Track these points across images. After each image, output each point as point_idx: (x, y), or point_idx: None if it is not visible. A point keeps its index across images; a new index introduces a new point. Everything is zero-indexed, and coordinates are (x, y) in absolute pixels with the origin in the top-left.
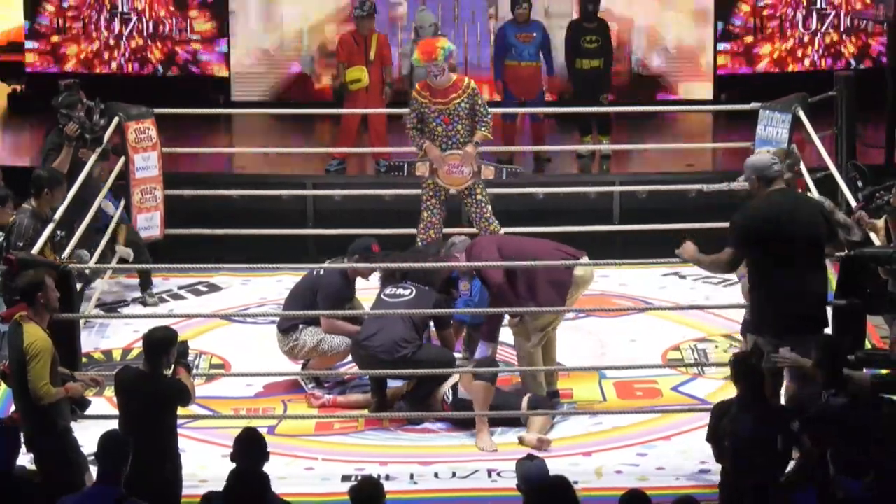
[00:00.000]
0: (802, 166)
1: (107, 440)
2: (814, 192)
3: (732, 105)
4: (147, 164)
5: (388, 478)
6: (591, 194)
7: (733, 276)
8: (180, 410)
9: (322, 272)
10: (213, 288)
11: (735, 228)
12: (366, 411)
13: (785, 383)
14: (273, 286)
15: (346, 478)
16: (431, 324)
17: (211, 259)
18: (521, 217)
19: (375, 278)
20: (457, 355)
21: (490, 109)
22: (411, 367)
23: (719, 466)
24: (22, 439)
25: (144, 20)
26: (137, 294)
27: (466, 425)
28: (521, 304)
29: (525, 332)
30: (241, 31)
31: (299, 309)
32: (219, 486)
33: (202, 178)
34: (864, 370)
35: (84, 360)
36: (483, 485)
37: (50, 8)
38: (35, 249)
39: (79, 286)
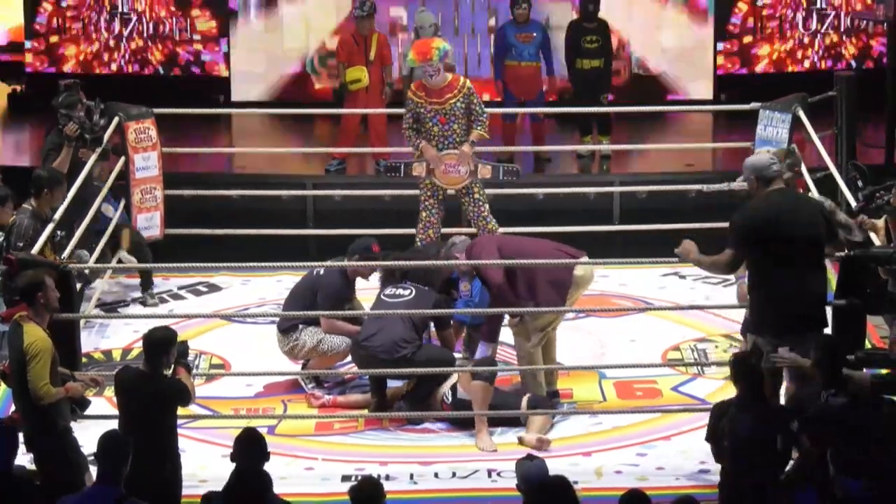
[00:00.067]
0: (803, 167)
1: (107, 440)
2: (814, 193)
3: (732, 105)
4: (147, 164)
5: (388, 478)
6: (590, 194)
7: (732, 277)
8: (180, 410)
9: (322, 272)
10: (213, 288)
11: (734, 229)
12: (366, 411)
13: (784, 383)
14: (273, 286)
15: (346, 478)
16: (431, 324)
17: (211, 259)
18: (521, 217)
19: (375, 278)
20: (457, 355)
21: (490, 109)
22: (411, 367)
23: (719, 466)
24: (21, 439)
25: (144, 20)
26: (138, 294)
27: (466, 425)
28: (521, 305)
29: (525, 332)
30: (241, 31)
31: (299, 309)
32: (219, 486)
33: (202, 178)
34: (864, 370)
35: (84, 360)
36: (483, 485)
37: (50, 8)
38: (35, 249)
39: (78, 286)
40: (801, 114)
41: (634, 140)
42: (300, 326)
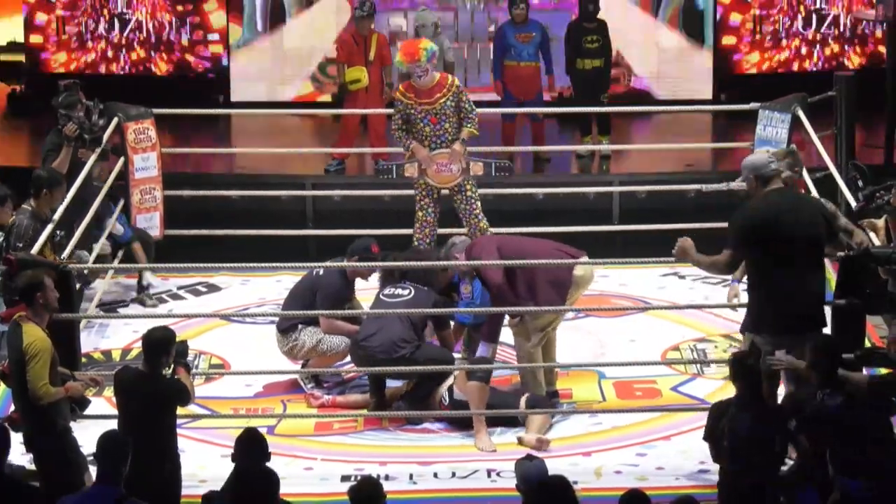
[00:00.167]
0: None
1: (106, 440)
2: (814, 194)
3: (732, 105)
4: (146, 164)
5: (387, 478)
6: (590, 194)
7: (730, 277)
8: (180, 410)
9: (321, 272)
10: (213, 288)
11: (734, 230)
12: (365, 411)
13: (782, 385)
14: (272, 286)
15: (345, 478)
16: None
17: (210, 259)
18: (520, 217)
19: (375, 278)
20: (456, 355)
21: (490, 110)
22: (410, 367)
23: (718, 466)
24: (12, 439)
25: (144, 20)
26: (137, 293)
27: (464, 426)
28: (520, 305)
29: (525, 333)
30: (241, 31)
31: (298, 309)
32: (218, 485)
33: (202, 178)
34: (864, 370)
35: (83, 360)
36: (482, 485)
37: (50, 8)
38: (34, 250)
39: (78, 286)
40: (801, 114)
41: (634, 140)
42: (299, 326)
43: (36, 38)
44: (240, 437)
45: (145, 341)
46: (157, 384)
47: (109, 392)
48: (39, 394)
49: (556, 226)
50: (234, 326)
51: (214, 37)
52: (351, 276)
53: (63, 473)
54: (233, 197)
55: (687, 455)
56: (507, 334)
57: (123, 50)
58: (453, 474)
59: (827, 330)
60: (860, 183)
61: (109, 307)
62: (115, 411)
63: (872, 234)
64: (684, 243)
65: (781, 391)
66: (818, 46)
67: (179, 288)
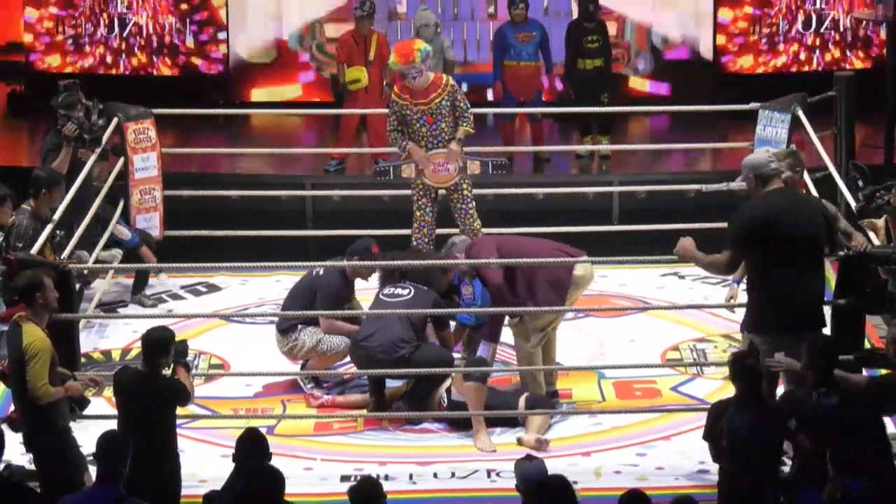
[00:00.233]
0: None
1: (106, 440)
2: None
3: (732, 105)
4: (146, 164)
5: (387, 478)
6: (590, 194)
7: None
8: (179, 410)
9: (321, 272)
10: (212, 288)
11: (733, 230)
12: (364, 411)
13: (781, 385)
14: (272, 286)
15: (345, 478)
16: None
17: (210, 259)
18: (520, 217)
19: (375, 278)
20: (456, 356)
21: (490, 110)
22: (410, 367)
23: (718, 466)
24: (12, 439)
25: (145, 20)
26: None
27: (463, 427)
28: (520, 305)
29: (525, 333)
30: (241, 30)
31: (298, 309)
32: (218, 485)
33: (202, 178)
34: (863, 370)
35: (83, 360)
36: (482, 485)
37: (50, 7)
38: (34, 250)
39: (78, 286)
40: (801, 114)
41: (633, 140)
42: (299, 326)
43: (35, 39)
44: (241, 437)
45: (145, 341)
46: (156, 384)
47: (109, 392)
48: (39, 394)
49: (556, 226)
50: (234, 326)
51: (224, 35)
52: (351, 276)
53: (63, 473)
54: (232, 197)
55: (686, 455)
56: (507, 334)
57: (123, 55)
58: (453, 474)
59: (827, 330)
60: (860, 183)
61: (109, 307)
62: (114, 411)
63: (872, 234)
64: (685, 241)
65: (781, 391)
66: (817, 52)
67: (179, 288)
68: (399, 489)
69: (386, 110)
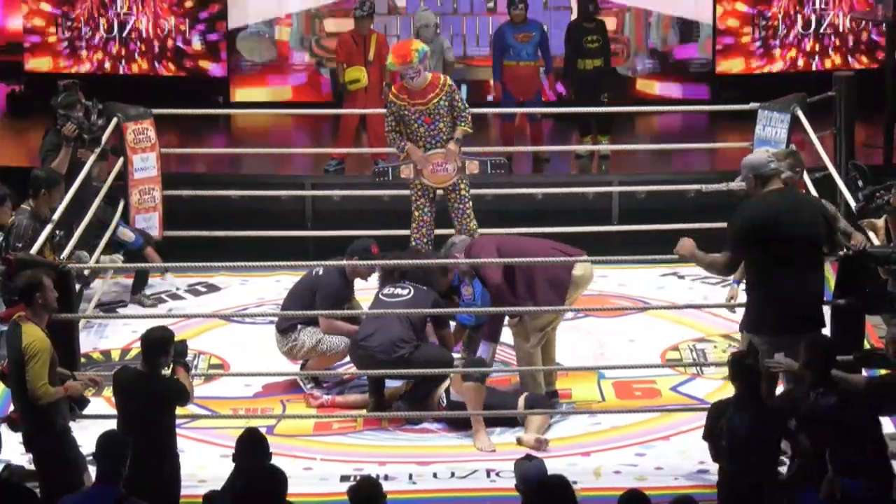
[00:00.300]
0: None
1: (105, 440)
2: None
3: (732, 105)
4: (146, 164)
5: (386, 478)
6: (589, 194)
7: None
8: (179, 410)
9: (321, 272)
10: (212, 288)
11: (733, 231)
12: (364, 411)
13: (781, 385)
14: (271, 286)
15: (344, 478)
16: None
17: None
18: (520, 217)
19: (374, 279)
20: (455, 356)
21: (489, 110)
22: (409, 367)
23: (718, 466)
24: (12, 439)
25: (144, 20)
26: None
27: (463, 426)
28: (520, 305)
29: (524, 333)
30: (241, 30)
31: (298, 309)
32: (218, 485)
33: (201, 178)
34: (863, 370)
35: (83, 360)
36: (482, 485)
37: (49, 8)
38: (34, 250)
39: (77, 287)
40: (800, 114)
41: (633, 140)
42: (299, 326)
43: (35, 39)
44: (240, 437)
45: (144, 341)
46: (156, 384)
47: (109, 392)
48: (38, 394)
49: (556, 226)
50: (234, 326)
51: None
52: (350, 276)
53: (62, 473)
54: (232, 197)
55: (686, 455)
56: (507, 334)
57: (123, 49)
58: (452, 474)
59: (826, 330)
60: (860, 183)
61: (108, 307)
62: (114, 411)
63: (872, 234)
64: (685, 241)
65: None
66: (817, 57)
67: (178, 288)
68: (399, 489)
69: (385, 111)
